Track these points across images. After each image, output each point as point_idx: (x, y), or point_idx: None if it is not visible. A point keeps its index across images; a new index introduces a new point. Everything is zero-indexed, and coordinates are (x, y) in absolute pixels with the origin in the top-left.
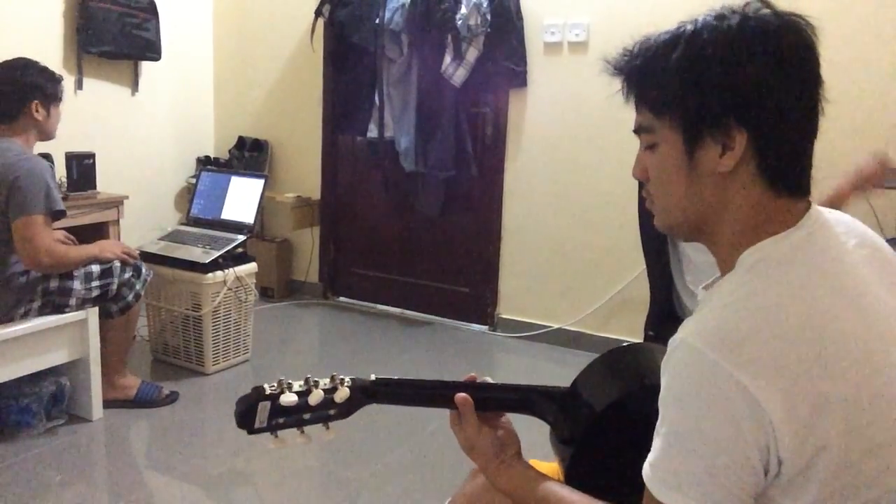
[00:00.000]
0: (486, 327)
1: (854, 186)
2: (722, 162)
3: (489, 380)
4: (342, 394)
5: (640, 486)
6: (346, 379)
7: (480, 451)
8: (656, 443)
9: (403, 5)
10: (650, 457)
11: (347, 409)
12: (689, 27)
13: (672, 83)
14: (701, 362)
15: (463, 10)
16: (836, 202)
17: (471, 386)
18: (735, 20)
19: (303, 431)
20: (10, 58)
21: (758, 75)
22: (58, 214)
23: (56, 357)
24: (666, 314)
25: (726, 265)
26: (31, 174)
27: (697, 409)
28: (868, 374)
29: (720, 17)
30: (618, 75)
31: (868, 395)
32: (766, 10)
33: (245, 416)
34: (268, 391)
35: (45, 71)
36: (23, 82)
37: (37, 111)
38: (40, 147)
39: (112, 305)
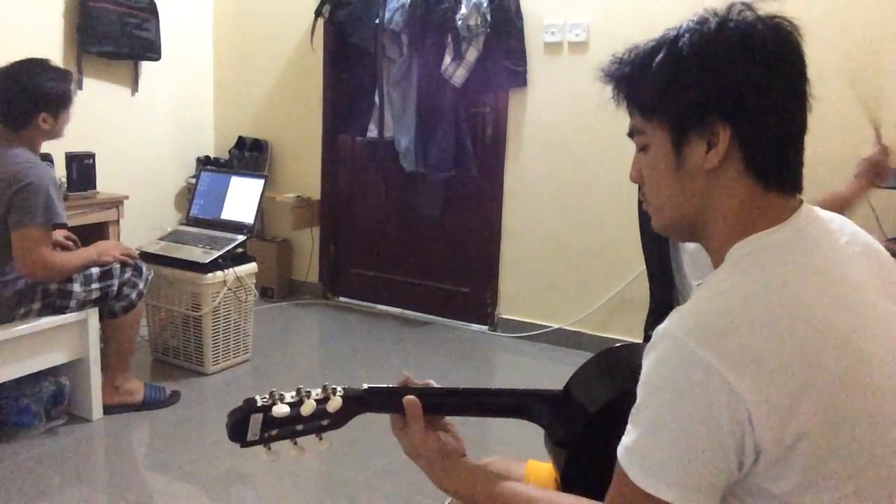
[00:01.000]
0: (486, 327)
1: (865, 177)
2: (708, 158)
3: (433, 383)
4: (335, 403)
5: None
6: (339, 388)
7: (425, 455)
8: (632, 427)
9: (403, 5)
10: (626, 439)
11: (340, 418)
12: (672, 33)
13: (656, 85)
14: (681, 351)
15: (463, 10)
16: (849, 198)
17: (465, 392)
18: (714, 22)
19: (296, 443)
20: (11, 58)
21: (735, 72)
22: (57, 226)
23: (56, 357)
24: (666, 315)
25: (718, 262)
26: (33, 185)
27: (675, 395)
28: (848, 365)
29: (701, 20)
30: (609, 82)
31: (847, 385)
32: (748, 13)
33: (237, 429)
34: (259, 403)
35: (53, 72)
36: (31, 91)
37: (44, 122)
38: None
39: (115, 304)
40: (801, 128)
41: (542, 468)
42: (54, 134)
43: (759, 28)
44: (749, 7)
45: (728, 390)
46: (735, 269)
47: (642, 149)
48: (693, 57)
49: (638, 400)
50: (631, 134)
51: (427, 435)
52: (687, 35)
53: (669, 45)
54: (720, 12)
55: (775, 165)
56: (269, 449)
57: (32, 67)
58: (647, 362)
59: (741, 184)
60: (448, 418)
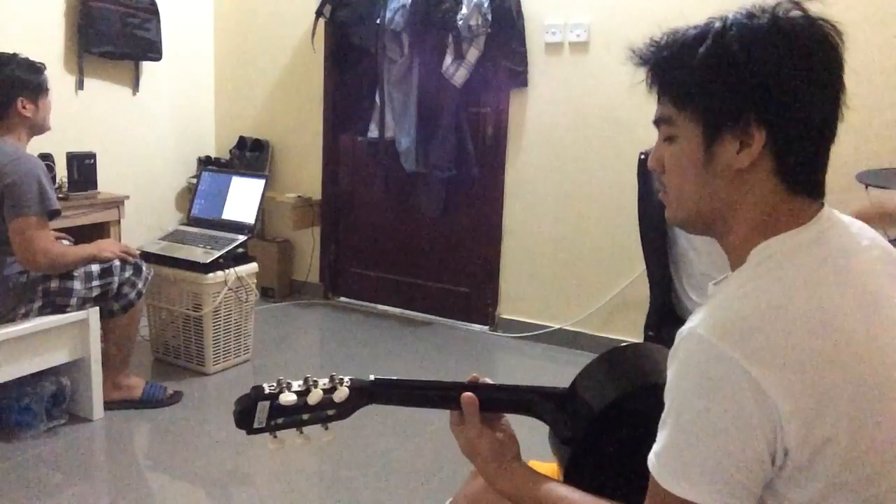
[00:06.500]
0: (487, 327)
1: (877, 220)
2: (739, 158)
3: (488, 380)
4: (341, 394)
5: (640, 484)
6: (346, 379)
7: (480, 453)
8: (662, 432)
9: (404, 5)
10: (656, 447)
11: (347, 409)
12: (719, 24)
13: (696, 77)
14: (709, 352)
15: (464, 10)
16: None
17: (469, 386)
18: (765, 19)
19: (302, 432)
20: None
21: (782, 76)
22: (53, 214)
23: (57, 357)
24: (666, 315)
25: (737, 261)
26: (24, 175)
27: (705, 397)
28: (874, 369)
29: (751, 15)
30: (643, 65)
31: (873, 389)
32: (796, 12)
33: (244, 416)
34: (267, 391)
35: (26, 64)
36: (5, 79)
37: (24, 108)
38: (41, 144)
39: (114, 303)
40: (832, 136)
41: (545, 468)
42: (38, 123)
43: (808, 31)
44: (797, 6)
45: (757, 390)
46: (758, 270)
47: (668, 138)
48: (741, 53)
49: (666, 405)
50: (657, 122)
51: (481, 433)
52: (735, 29)
53: (715, 36)
54: (768, 9)
55: (805, 171)
56: (275, 437)
57: (2, 58)
58: (673, 365)
59: (768, 187)
60: (505, 418)
